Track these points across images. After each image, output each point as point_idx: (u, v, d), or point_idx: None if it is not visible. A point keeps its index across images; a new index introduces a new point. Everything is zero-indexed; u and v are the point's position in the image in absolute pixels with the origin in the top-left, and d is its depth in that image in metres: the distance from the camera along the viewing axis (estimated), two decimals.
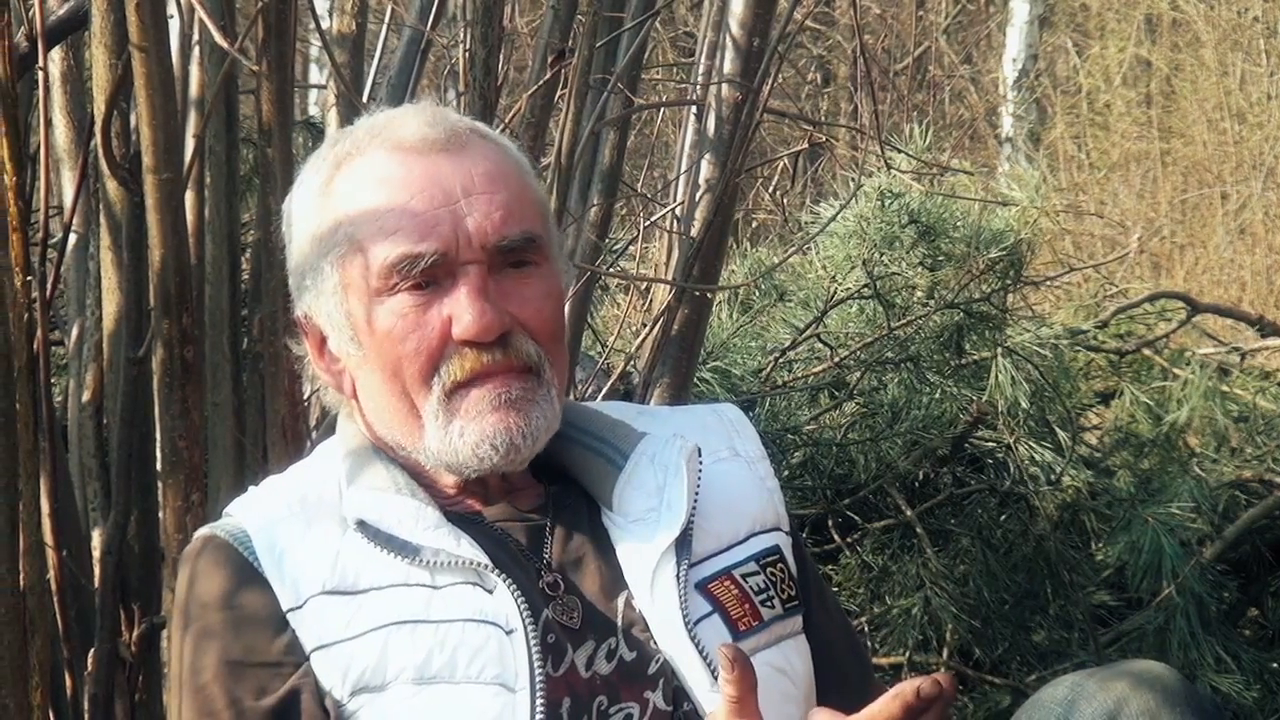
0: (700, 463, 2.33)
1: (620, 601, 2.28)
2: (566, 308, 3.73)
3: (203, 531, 2.34)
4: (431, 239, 2.24)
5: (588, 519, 2.35)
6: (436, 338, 2.26)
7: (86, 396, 3.41)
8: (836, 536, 5.41)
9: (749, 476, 2.44)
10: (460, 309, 2.24)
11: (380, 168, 2.29)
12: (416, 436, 2.30)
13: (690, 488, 2.29)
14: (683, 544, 2.28)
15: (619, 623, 2.27)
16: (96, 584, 3.28)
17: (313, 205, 2.34)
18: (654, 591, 2.26)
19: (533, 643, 2.18)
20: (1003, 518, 5.41)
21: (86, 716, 3.24)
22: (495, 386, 2.26)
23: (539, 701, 2.16)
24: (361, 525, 2.26)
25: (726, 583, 2.32)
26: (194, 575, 2.29)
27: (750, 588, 2.33)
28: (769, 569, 2.37)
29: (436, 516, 2.26)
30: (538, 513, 2.35)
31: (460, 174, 2.28)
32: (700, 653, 2.23)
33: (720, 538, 2.35)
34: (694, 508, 2.29)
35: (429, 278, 2.25)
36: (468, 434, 2.26)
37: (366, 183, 2.29)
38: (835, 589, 5.38)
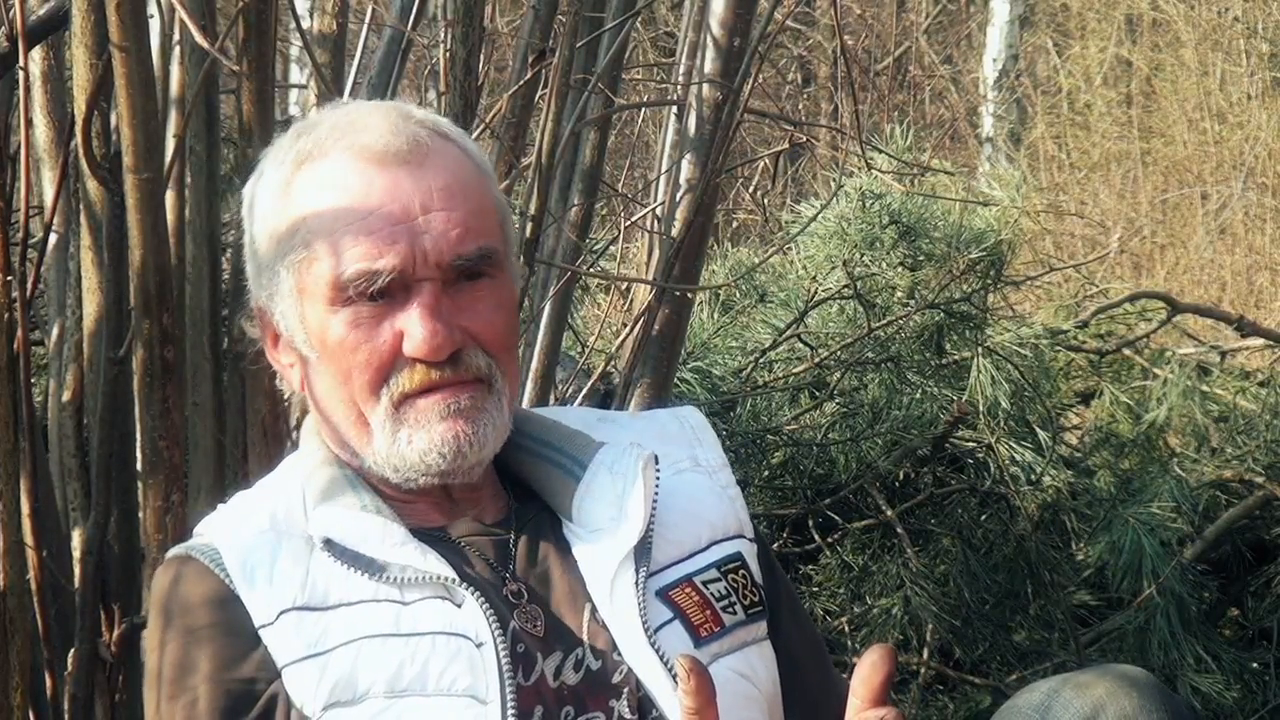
0: (658, 470, 2.32)
1: (585, 612, 2.28)
2: (548, 308, 3.75)
3: (175, 551, 2.34)
4: (388, 256, 2.23)
5: (551, 531, 2.35)
6: (387, 351, 2.25)
7: (67, 396, 3.41)
8: (817, 536, 5.41)
9: (710, 485, 2.43)
10: (412, 326, 2.24)
11: (340, 175, 2.28)
12: (365, 441, 2.29)
13: (647, 496, 2.29)
14: (642, 552, 2.28)
15: (584, 633, 2.27)
16: (77, 584, 3.27)
17: (273, 203, 2.33)
18: (613, 599, 2.26)
19: (502, 654, 2.18)
20: (983, 518, 5.42)
21: (67, 717, 3.24)
22: (444, 397, 2.26)
23: (510, 713, 2.16)
24: (328, 544, 2.26)
25: (687, 589, 2.32)
26: (178, 577, 2.29)
27: (711, 594, 2.33)
28: (730, 575, 2.36)
29: (403, 533, 2.26)
30: (502, 526, 2.35)
31: (420, 190, 2.26)
32: (661, 659, 2.22)
33: (681, 546, 2.35)
34: (652, 516, 2.29)
35: (383, 291, 2.25)
36: (415, 442, 2.26)
37: (326, 189, 2.28)
38: (816, 589, 5.39)
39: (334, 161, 2.29)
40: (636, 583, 2.25)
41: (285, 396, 2.49)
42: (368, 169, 2.27)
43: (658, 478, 2.32)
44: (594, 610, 2.28)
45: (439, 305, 2.25)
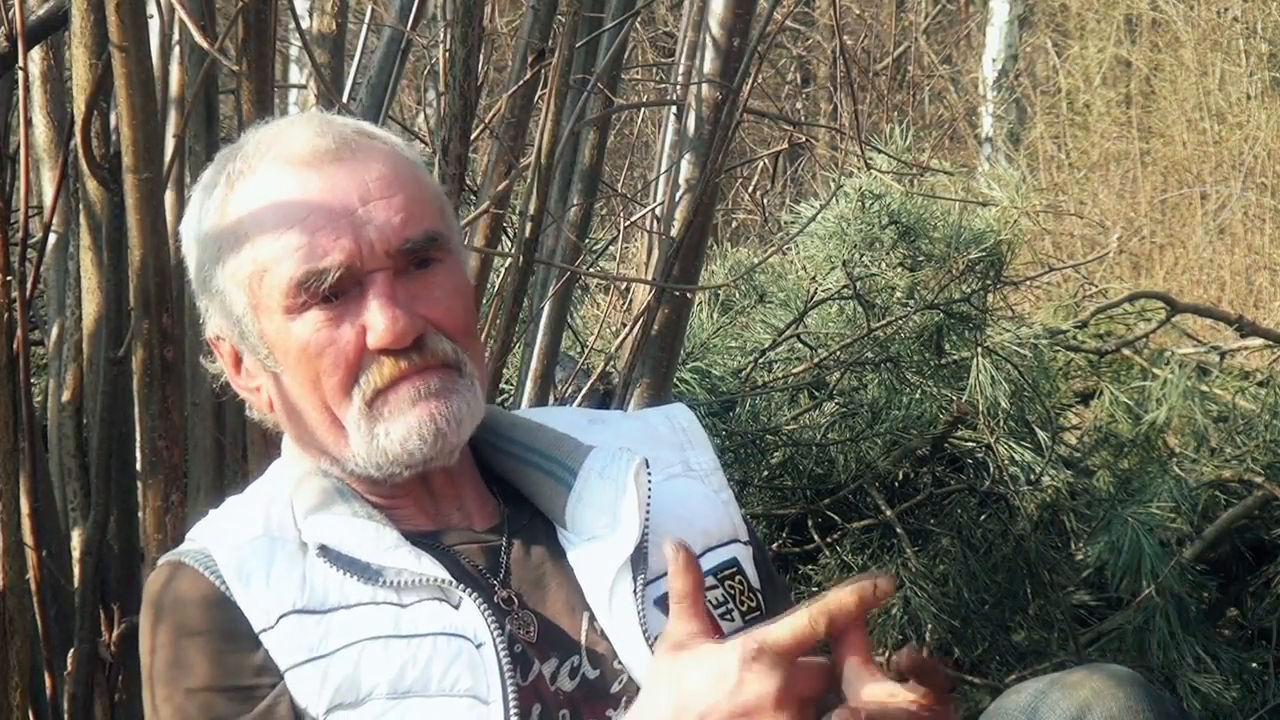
0: (650, 475, 2.31)
1: (584, 620, 2.28)
2: (547, 308, 3.75)
3: (167, 557, 2.33)
4: (335, 252, 2.22)
5: (545, 538, 2.34)
6: (352, 349, 2.24)
7: (66, 396, 3.41)
8: (816, 536, 5.41)
9: (702, 491, 2.42)
10: (373, 318, 2.22)
11: (274, 184, 2.27)
12: (342, 445, 2.28)
13: (641, 503, 2.28)
14: (638, 560, 2.26)
15: (582, 641, 2.27)
16: (76, 584, 3.28)
17: (211, 227, 2.31)
18: (612, 608, 2.25)
19: (502, 654, 2.18)
20: (982, 518, 5.42)
21: (66, 717, 3.24)
22: (415, 383, 2.25)
23: (512, 713, 2.16)
24: (323, 550, 2.25)
25: None
26: (171, 583, 2.28)
27: (709, 602, 2.31)
28: (726, 582, 2.36)
29: (395, 537, 2.26)
30: (494, 533, 2.34)
31: (355, 182, 2.25)
32: None
33: None
34: (647, 523, 2.28)
35: (337, 289, 2.23)
36: (393, 432, 2.25)
37: (263, 200, 2.27)
38: (815, 589, 5.39)
39: (264, 173, 2.28)
40: (635, 590, 2.24)
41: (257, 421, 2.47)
42: (300, 172, 2.26)
43: (650, 483, 2.31)
44: (592, 619, 2.27)
45: (395, 293, 2.24)
